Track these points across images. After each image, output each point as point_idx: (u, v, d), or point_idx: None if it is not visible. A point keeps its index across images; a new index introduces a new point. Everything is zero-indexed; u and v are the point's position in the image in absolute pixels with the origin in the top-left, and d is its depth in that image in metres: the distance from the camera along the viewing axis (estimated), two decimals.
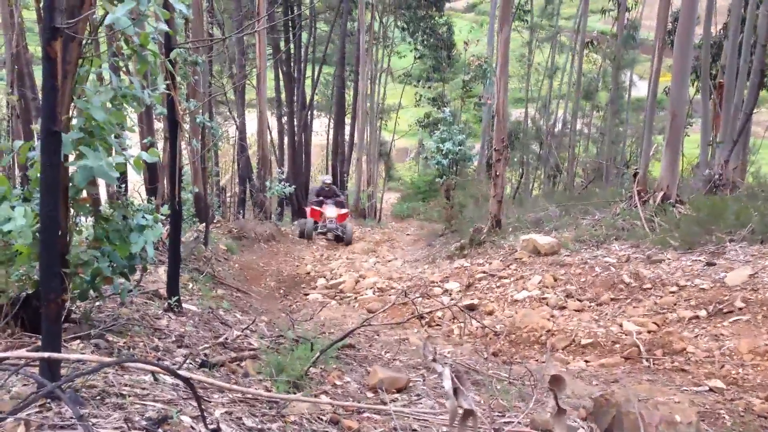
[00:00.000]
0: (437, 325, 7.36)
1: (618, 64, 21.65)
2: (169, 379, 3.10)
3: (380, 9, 26.67)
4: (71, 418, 2.38)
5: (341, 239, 16.23)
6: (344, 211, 17.25)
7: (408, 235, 18.40)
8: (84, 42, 3.08)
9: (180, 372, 2.63)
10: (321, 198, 17.24)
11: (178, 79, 5.80)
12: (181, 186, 6.91)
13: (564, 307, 7.22)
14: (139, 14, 3.13)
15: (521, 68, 28.41)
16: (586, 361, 5.58)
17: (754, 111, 14.29)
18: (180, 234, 5.31)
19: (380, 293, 9.03)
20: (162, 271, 6.46)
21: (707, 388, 4.51)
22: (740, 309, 6.19)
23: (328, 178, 18.64)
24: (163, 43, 4.81)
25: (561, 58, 27.02)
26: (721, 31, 17.06)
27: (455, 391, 1.89)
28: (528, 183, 25.29)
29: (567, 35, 27.51)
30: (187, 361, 3.58)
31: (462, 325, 6.80)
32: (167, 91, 4.83)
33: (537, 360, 5.80)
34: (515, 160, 24.62)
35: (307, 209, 17.53)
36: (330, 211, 16.58)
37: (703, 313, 6.27)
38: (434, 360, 2.21)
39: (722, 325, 5.89)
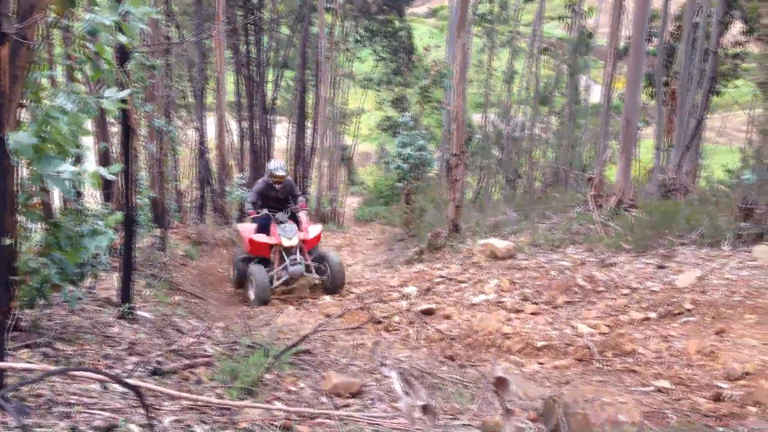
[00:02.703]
0: (395, 329, 7.39)
1: (573, 69, 22.04)
2: (118, 388, 3.07)
3: (341, 13, 26.71)
4: (16, 427, 2.35)
5: (325, 285, 9.44)
6: (313, 229, 10.09)
7: (369, 239, 18.44)
8: (35, 47, 3.05)
9: (128, 380, 2.62)
10: (266, 208, 9.70)
11: (132, 82, 5.74)
12: (137, 191, 6.84)
13: (520, 311, 7.31)
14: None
15: (481, 73, 28.70)
16: (540, 363, 5.67)
17: (706, 117, 14.69)
18: (134, 240, 5.25)
19: (339, 298, 9.03)
20: (116, 278, 6.38)
21: (655, 389, 4.62)
22: (689, 310, 6.36)
23: (281, 169, 9.93)
24: (117, 47, 4.75)
25: (519, 64, 27.39)
26: (671, 37, 17.47)
27: (407, 392, 1.92)
28: (488, 187, 25.54)
29: (525, 41, 27.89)
30: (138, 369, 3.55)
31: (419, 329, 6.85)
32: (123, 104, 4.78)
33: (492, 363, 5.87)
34: (476, 164, 24.85)
35: (243, 231, 10.19)
36: (288, 235, 9.38)
37: (653, 314, 6.42)
38: (383, 364, 2.23)
39: (671, 326, 6.04)
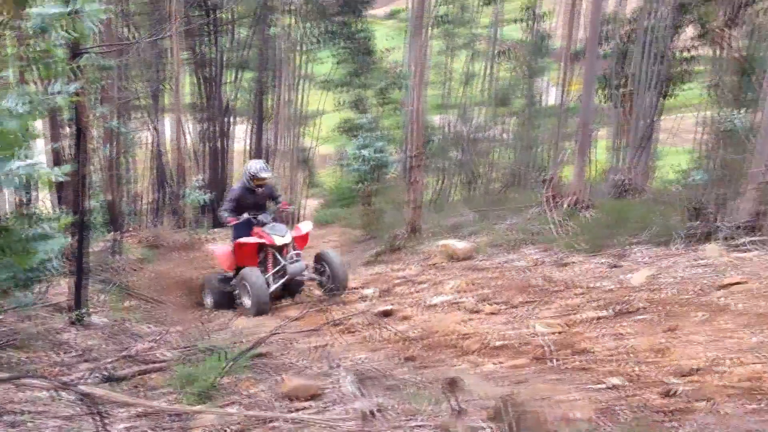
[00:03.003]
0: (354, 331, 7.39)
1: (531, 72, 22.33)
2: (70, 395, 3.01)
3: (301, 15, 26.59)
4: None
5: (330, 289, 8.49)
6: (305, 225, 9.41)
7: (329, 241, 18.38)
8: None
9: (79, 387, 2.57)
10: (247, 212, 8.54)
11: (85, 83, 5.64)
12: (90, 194, 6.72)
13: (478, 311, 7.37)
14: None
15: (440, 75, 28.85)
16: (498, 363, 5.71)
17: (659, 119, 15.04)
18: (86, 244, 5.17)
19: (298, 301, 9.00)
20: (68, 283, 6.25)
21: (608, 386, 4.69)
22: (642, 309, 6.48)
23: (264, 170, 8.79)
24: (69, 45, 4.66)
25: (478, 66, 27.61)
26: (626, 40, 17.81)
27: (361, 394, 1.93)
28: (447, 189, 25.67)
29: (484, 44, 28.13)
30: (91, 376, 3.50)
31: (378, 330, 6.87)
32: (75, 97, 4.70)
33: (450, 364, 5.90)
34: (435, 166, 24.97)
35: (217, 250, 9.59)
36: (279, 233, 8.43)
37: (607, 313, 6.54)
38: (337, 366, 2.24)
39: (625, 324, 6.16)
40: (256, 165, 8.91)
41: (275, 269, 8.33)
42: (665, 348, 5.37)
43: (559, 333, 6.25)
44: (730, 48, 14.22)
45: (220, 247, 9.62)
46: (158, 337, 4.96)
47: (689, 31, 17.72)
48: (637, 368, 5.11)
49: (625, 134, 16.61)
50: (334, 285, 8.44)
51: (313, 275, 8.64)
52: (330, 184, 34.58)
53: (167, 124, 22.69)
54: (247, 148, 26.29)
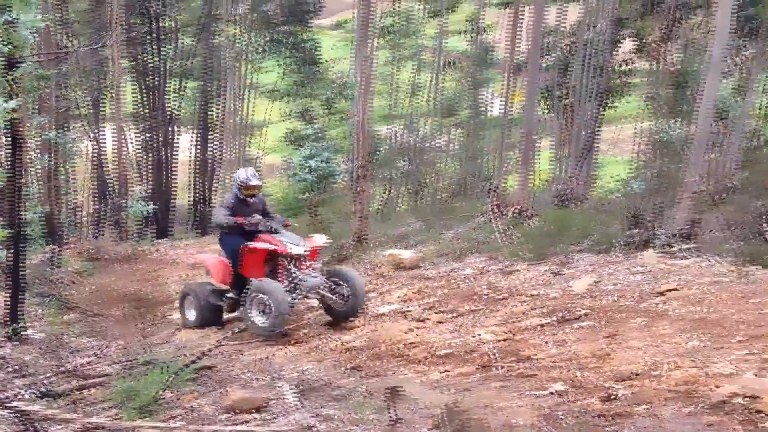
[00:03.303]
0: (301, 342, 7.34)
1: (476, 83, 22.66)
2: (4, 412, 2.92)
3: (247, 24, 26.41)
4: None
5: (344, 313, 7.52)
6: (318, 238, 8.08)
7: None
8: None
9: (14, 404, 2.49)
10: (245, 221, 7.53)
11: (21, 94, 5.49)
12: (26, 205, 6.53)
13: (425, 320, 7.41)
14: None
15: (387, 86, 29.01)
16: (443, 371, 5.76)
17: (599, 129, 15.45)
18: (23, 256, 5.02)
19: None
20: (3, 297, 6.06)
21: (551, 392, 4.78)
22: (584, 315, 6.63)
23: (254, 177, 7.80)
24: (4, 56, 4.54)
25: (424, 77, 27.86)
26: (567, 52, 18.26)
27: (302, 405, 1.92)
28: (394, 198, 25.78)
29: (429, 55, 28.41)
30: (27, 392, 3.39)
31: (325, 341, 6.84)
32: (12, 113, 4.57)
33: (397, 373, 5.92)
34: (382, 176, 25.06)
35: (209, 259, 8.45)
36: (294, 242, 7.44)
37: (551, 320, 6.66)
38: (279, 377, 2.23)
39: (568, 331, 6.29)
40: (245, 172, 7.89)
41: (291, 280, 7.29)
42: (606, 354, 5.50)
43: (504, 340, 6.33)
44: (665, 62, 14.71)
45: (210, 256, 8.48)
46: (98, 352, 4.84)
47: (627, 45, 18.27)
48: (578, 374, 5.21)
49: (567, 145, 17.00)
50: (350, 307, 7.41)
51: (326, 293, 7.45)
52: (277, 194, 34.32)
53: (108, 133, 22.20)
54: (192, 158, 25.93)
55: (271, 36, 26.81)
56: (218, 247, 8.34)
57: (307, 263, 7.43)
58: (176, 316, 8.85)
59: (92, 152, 21.77)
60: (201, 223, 24.27)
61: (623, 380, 4.93)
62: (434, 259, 9.99)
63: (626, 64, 17.64)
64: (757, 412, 4.22)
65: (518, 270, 8.69)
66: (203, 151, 25.37)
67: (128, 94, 22.11)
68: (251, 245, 7.36)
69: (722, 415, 4.20)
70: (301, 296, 7.25)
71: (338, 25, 64.16)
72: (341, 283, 7.44)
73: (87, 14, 20.52)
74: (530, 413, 3.29)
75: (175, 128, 25.42)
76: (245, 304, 7.09)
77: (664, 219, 9.00)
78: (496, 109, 28.38)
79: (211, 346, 4.93)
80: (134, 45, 21.80)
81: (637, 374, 4.97)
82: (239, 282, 7.51)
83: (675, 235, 8.63)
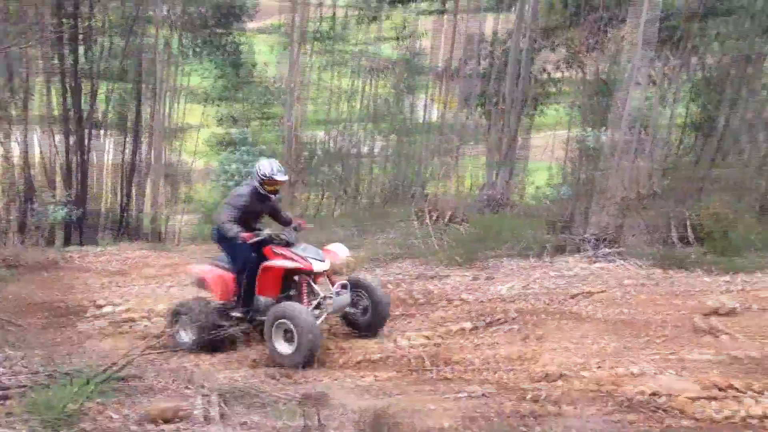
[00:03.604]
0: (233, 349, 7.23)
1: (408, 89, 22.86)
2: None
3: (177, 26, 25.97)
4: None
5: (367, 326, 6.85)
6: (341, 249, 7.38)
7: (207, 258, 17.90)
8: None
9: None
10: (243, 228, 6.49)
11: None
12: None
13: None
14: None
15: (321, 91, 29.01)
16: (376, 377, 5.78)
17: (528, 136, 15.83)
18: None
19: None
20: None
21: (479, 393, 4.87)
22: (512, 318, 6.80)
23: (281, 172, 6.59)
24: None
25: (358, 82, 27.99)
26: (500, 59, 18.59)
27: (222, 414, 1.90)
28: (328, 203, 25.76)
29: (363, 60, 28.54)
30: None
31: (257, 348, 6.76)
32: None
33: (331, 378, 5.90)
34: (316, 181, 25.01)
35: (208, 273, 7.08)
36: (317, 257, 6.53)
37: (480, 324, 6.78)
38: (202, 386, 2.20)
39: (496, 334, 6.43)
40: (270, 166, 6.63)
41: (315, 299, 6.56)
42: (533, 356, 5.65)
43: (435, 344, 6.41)
44: (590, 71, 15.18)
45: (209, 269, 7.18)
46: (15, 362, 4.65)
47: (556, 54, 18.76)
48: (506, 376, 5.34)
49: (499, 151, 17.31)
50: (374, 319, 6.80)
51: (349, 309, 6.82)
52: (210, 199, 33.71)
53: (32, 136, 21.42)
54: (120, 161, 25.24)
55: (203, 38, 26.46)
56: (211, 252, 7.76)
57: (338, 281, 6.80)
58: (102, 324, 8.60)
59: (4, 155, 20.85)
60: (126, 230, 23.55)
61: (549, 381, 5.08)
62: (368, 264, 10.01)
63: (548, 74, 18.08)
64: (675, 409, 4.42)
65: (449, 275, 8.82)
66: (133, 154, 24.74)
67: (54, 96, 21.36)
68: (272, 263, 6.53)
69: (642, 413, 4.38)
70: (324, 316, 6.53)
71: (273, 29, 63.75)
72: (362, 294, 6.80)
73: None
74: (457, 416, 3.34)
75: (102, 131, 24.68)
76: (266, 335, 6.28)
77: (589, 224, 9.29)
78: (428, 115, 28.71)
79: (134, 355, 4.81)
80: (55, 45, 20.99)
81: (562, 375, 5.13)
82: (248, 298, 6.71)
83: (599, 239, 8.92)
